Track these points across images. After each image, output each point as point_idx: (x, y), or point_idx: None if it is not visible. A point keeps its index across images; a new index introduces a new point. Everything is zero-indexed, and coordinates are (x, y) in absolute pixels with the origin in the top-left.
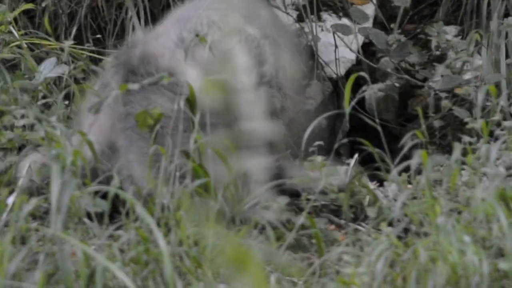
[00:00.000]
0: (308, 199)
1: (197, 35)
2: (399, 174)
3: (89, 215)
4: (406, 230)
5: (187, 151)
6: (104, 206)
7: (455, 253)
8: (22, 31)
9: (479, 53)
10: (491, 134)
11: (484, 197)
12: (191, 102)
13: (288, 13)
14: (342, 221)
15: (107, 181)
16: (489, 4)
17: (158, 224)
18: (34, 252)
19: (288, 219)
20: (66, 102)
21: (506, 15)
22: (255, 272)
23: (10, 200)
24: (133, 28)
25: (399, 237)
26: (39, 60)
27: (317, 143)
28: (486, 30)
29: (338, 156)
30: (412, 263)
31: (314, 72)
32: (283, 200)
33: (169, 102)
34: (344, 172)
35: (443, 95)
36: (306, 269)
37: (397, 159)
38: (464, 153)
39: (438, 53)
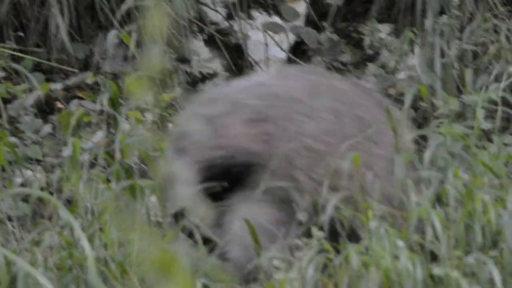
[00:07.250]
0: None
1: None
2: None
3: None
4: (338, 235)
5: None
6: (26, 209)
7: (388, 258)
8: None
9: (413, 52)
10: (424, 137)
11: (419, 201)
12: (114, 101)
13: (217, 11)
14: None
15: None
16: (423, 2)
17: (83, 228)
18: None
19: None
20: None
21: (441, 13)
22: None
23: None
24: (57, 27)
25: (331, 242)
26: None
27: None
28: (420, 29)
29: None
30: (344, 269)
31: (244, 71)
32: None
33: None
34: None
35: None
36: (235, 274)
37: None
38: None
39: (371, 52)
